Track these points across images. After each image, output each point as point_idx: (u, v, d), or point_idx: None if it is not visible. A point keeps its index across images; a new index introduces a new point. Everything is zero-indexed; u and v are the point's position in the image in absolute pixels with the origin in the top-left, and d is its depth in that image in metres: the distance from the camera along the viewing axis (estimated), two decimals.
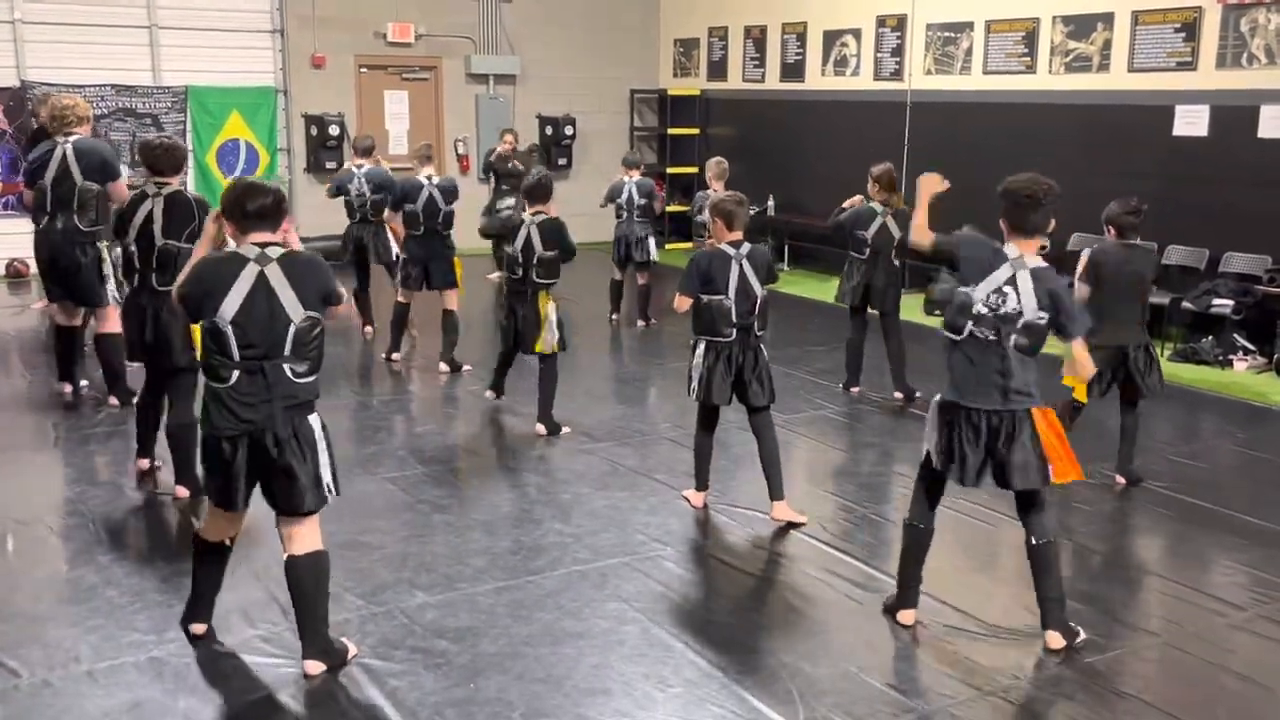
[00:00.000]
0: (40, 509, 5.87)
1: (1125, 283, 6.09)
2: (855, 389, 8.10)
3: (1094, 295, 6.04)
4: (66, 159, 7.00)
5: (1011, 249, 4.38)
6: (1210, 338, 9.19)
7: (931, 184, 4.82)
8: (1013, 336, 4.27)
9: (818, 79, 13.47)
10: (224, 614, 4.63)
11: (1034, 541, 4.42)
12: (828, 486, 6.40)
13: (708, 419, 5.87)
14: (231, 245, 4.06)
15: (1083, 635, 4.49)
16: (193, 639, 4.37)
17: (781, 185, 13.41)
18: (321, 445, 4.08)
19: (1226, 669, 4.43)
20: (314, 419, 4.07)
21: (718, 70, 14.99)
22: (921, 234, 4.65)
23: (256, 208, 3.99)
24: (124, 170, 7.51)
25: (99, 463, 6.57)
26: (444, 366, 8.60)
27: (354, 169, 9.79)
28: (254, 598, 4.79)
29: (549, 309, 7.06)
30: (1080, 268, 6.17)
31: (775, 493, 5.75)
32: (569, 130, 14.77)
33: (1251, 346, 9.07)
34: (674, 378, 8.71)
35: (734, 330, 5.60)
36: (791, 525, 5.67)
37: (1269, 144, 9.17)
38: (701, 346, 5.70)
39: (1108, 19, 10.32)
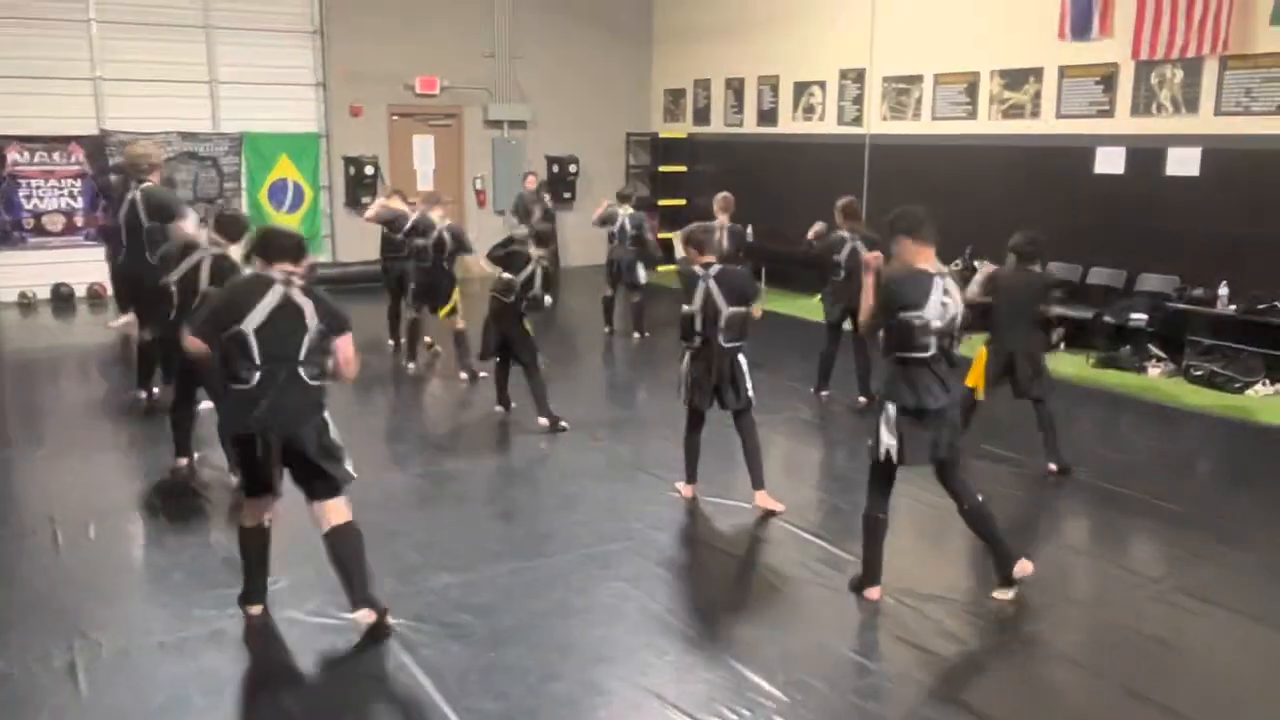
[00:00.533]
0: (117, 502, 5.86)
1: (1020, 301, 6.22)
2: (825, 393, 8.10)
3: (992, 309, 6.22)
4: (135, 204, 7.12)
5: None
6: (1128, 347, 9.21)
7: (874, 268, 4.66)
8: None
9: (789, 123, 13.47)
10: (281, 590, 4.63)
11: (966, 505, 4.58)
12: (802, 478, 6.41)
13: (694, 421, 5.86)
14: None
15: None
16: (249, 618, 4.37)
17: (758, 215, 13.36)
18: (335, 433, 4.19)
19: (1143, 633, 4.44)
20: (325, 414, 4.19)
21: (702, 116, 14.98)
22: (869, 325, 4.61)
23: (283, 243, 4.22)
24: (189, 212, 7.51)
25: (167, 461, 6.55)
26: (464, 375, 8.57)
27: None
28: (302, 577, 4.78)
29: (529, 326, 7.25)
30: (982, 278, 6.34)
31: (756, 483, 5.73)
32: (573, 168, 14.76)
33: (1163, 355, 9.08)
34: (664, 383, 8.71)
35: (697, 339, 5.61)
36: (770, 513, 5.66)
37: (1175, 180, 9.18)
38: (686, 355, 5.74)
39: (1038, 73, 10.34)
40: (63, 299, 12.14)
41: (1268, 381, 8.42)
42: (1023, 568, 4.62)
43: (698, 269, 5.67)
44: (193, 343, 4.24)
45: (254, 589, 4.40)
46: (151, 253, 7.10)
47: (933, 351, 4.37)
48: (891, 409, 4.45)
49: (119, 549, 5.28)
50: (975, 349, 5.55)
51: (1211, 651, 4.34)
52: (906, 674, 4.06)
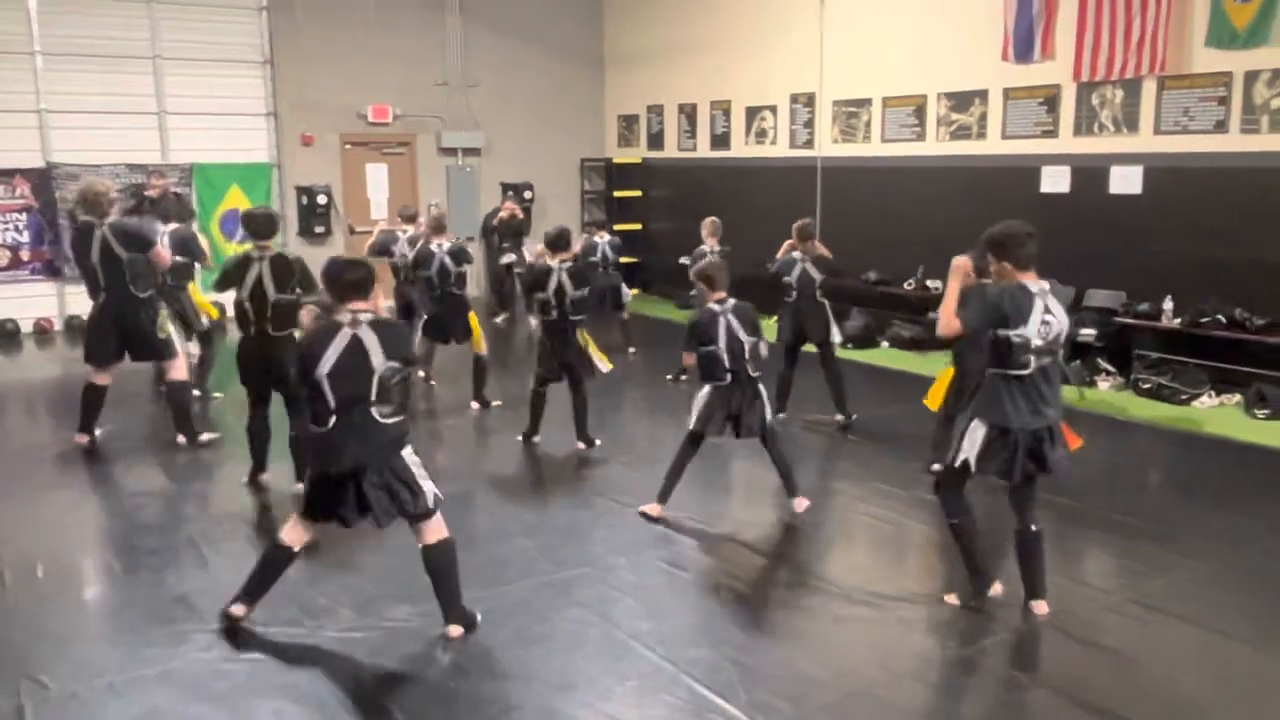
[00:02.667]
0: (66, 541, 5.75)
1: None
2: (782, 415, 8.13)
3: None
4: (106, 240, 6.97)
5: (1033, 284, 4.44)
6: (1078, 361, 9.35)
7: (961, 270, 4.77)
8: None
9: (742, 148, 13.60)
10: (229, 628, 4.55)
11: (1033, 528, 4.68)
12: (760, 498, 6.40)
13: (693, 445, 5.87)
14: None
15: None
16: (229, 618, 4.46)
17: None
18: (418, 468, 4.32)
19: (1100, 645, 4.49)
20: (406, 452, 4.30)
21: (656, 141, 15.09)
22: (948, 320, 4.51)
23: (351, 279, 4.26)
24: (162, 235, 7.57)
25: (117, 499, 6.44)
26: (475, 405, 8.46)
27: (399, 234, 9.46)
28: (260, 613, 4.71)
29: (587, 338, 7.19)
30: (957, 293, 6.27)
31: (790, 492, 6.01)
32: (528, 194, 14.77)
33: (1112, 369, 9.25)
34: (628, 408, 8.74)
35: (729, 375, 5.69)
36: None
37: (1118, 199, 9.40)
38: (705, 389, 5.78)
39: (983, 95, 10.55)
40: (8, 335, 11.90)
41: (1213, 393, 8.61)
42: (995, 588, 4.78)
43: (714, 306, 5.76)
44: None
45: (249, 595, 4.48)
46: (137, 286, 7.06)
47: (1031, 370, 4.36)
48: (980, 427, 4.48)
49: (68, 589, 5.15)
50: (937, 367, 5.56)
51: (1165, 661, 4.40)
52: (868, 692, 4.07)
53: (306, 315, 4.79)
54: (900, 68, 11.28)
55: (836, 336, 8.01)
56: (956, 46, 10.71)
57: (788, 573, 5.23)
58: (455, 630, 4.42)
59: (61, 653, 4.38)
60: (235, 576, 5.08)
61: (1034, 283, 4.42)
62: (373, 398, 4.16)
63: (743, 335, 5.71)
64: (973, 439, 4.51)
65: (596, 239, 10.55)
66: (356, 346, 4.16)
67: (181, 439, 7.30)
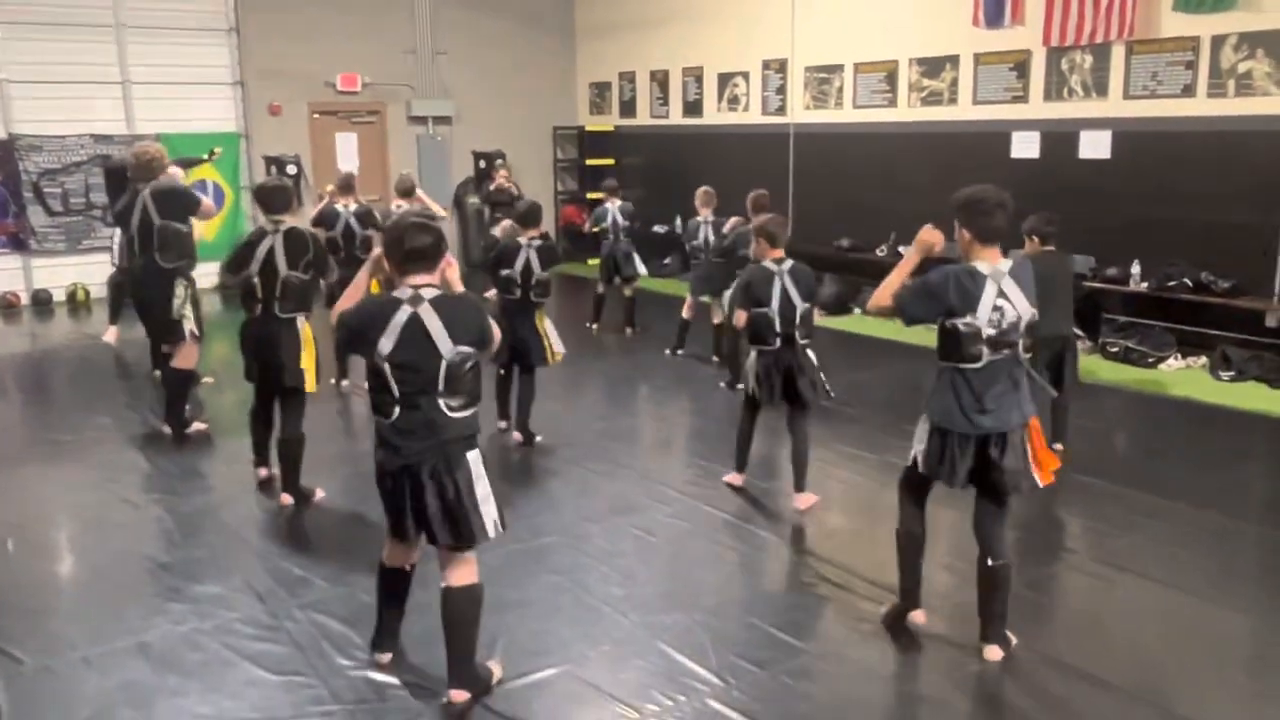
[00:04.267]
0: (38, 515, 5.71)
1: (1052, 288, 5.77)
2: (739, 386, 8.17)
3: None
4: (146, 205, 6.65)
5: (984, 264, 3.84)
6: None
7: (926, 245, 4.05)
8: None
9: (714, 115, 13.55)
10: (205, 599, 4.57)
11: (990, 561, 4.00)
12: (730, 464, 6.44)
13: (751, 411, 5.75)
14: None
15: (1014, 641, 4.10)
16: (379, 667, 4.01)
17: (686, 207, 13.32)
18: (481, 481, 3.62)
19: (1065, 603, 4.58)
20: (473, 455, 3.61)
21: (628, 109, 15.01)
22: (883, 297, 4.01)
23: (414, 247, 3.56)
24: (201, 196, 7.21)
25: (86, 474, 6.39)
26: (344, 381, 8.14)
27: (339, 208, 8.48)
28: (234, 584, 4.72)
29: (546, 324, 6.67)
30: None
31: (797, 485, 5.63)
32: (499, 163, 14.66)
33: (1080, 333, 9.31)
34: (617, 379, 8.74)
35: (779, 339, 5.47)
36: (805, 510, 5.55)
37: (1088, 163, 9.46)
38: (754, 354, 5.59)
39: (954, 60, 10.55)
40: None
41: (1179, 355, 8.73)
42: (917, 617, 4.26)
43: (770, 265, 5.52)
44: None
45: (385, 635, 4.03)
46: (164, 255, 6.69)
47: (982, 364, 3.80)
48: (924, 422, 4.02)
49: (40, 563, 5.14)
50: None
51: (1128, 618, 4.49)
52: (837, 653, 4.14)
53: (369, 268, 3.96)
54: (872, 33, 11.26)
55: (816, 316, 7.91)
56: (927, 12, 10.70)
57: (759, 539, 5.29)
58: (458, 695, 3.73)
59: (34, 626, 4.37)
60: (207, 552, 5.11)
61: (989, 263, 3.82)
62: (441, 387, 3.53)
63: (797, 299, 5.48)
64: (920, 434, 4.05)
65: (607, 204, 10.20)
66: (418, 327, 3.51)
67: (167, 429, 6.95)
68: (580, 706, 3.78)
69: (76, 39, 11.95)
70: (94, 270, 12.01)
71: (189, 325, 6.83)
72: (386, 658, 4.03)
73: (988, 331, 3.77)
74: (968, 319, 3.78)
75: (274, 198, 5.71)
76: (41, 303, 12.02)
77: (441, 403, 3.53)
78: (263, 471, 6.00)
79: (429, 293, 3.56)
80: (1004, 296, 3.78)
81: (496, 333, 3.75)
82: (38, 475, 6.39)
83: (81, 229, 12.30)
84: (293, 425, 5.68)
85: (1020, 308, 3.80)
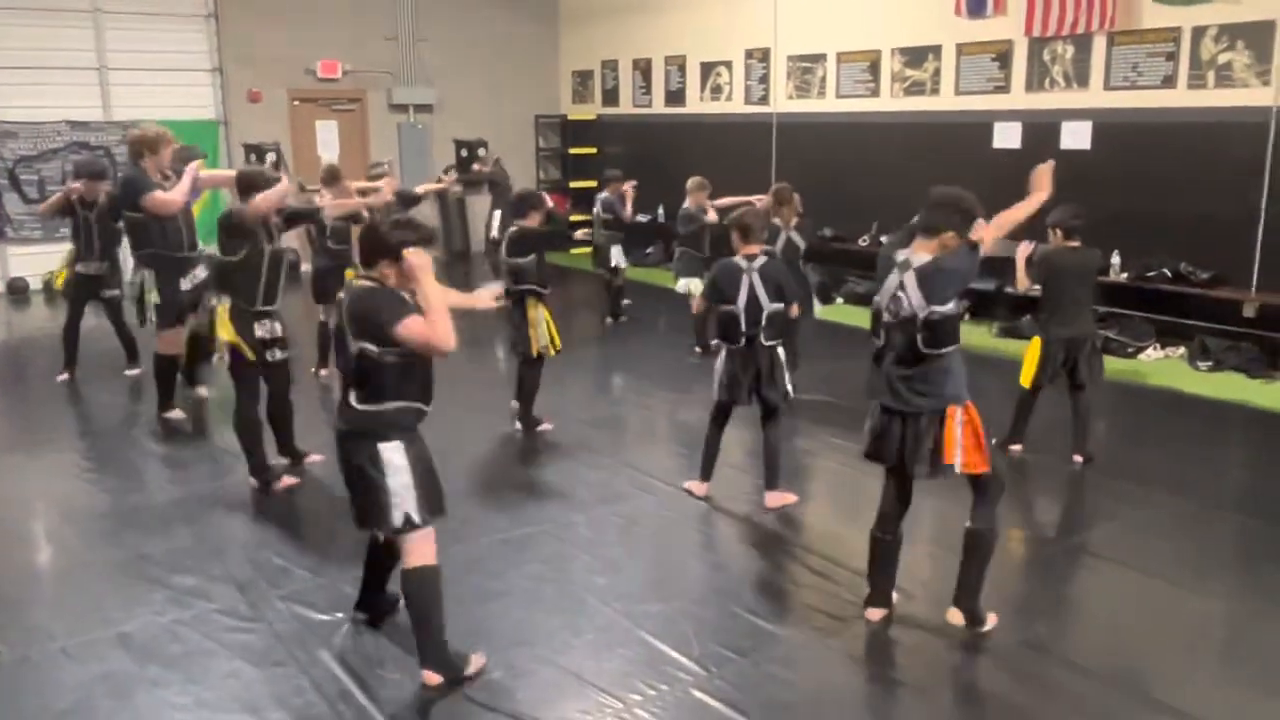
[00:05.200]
0: (16, 502, 5.67)
1: (1073, 283, 5.91)
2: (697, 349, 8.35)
3: (1046, 291, 5.90)
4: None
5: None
6: (1028, 316, 9.49)
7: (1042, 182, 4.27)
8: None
9: (697, 104, 13.54)
10: (185, 590, 4.55)
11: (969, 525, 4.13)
12: (722, 456, 6.45)
13: (720, 415, 5.54)
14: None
15: (990, 623, 4.17)
16: (366, 622, 4.20)
17: (669, 196, 13.39)
18: (394, 476, 3.64)
19: (1043, 591, 4.63)
20: (386, 448, 3.63)
21: (611, 97, 14.98)
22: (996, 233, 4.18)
23: (374, 244, 3.63)
24: (156, 190, 6.68)
25: (67, 460, 6.35)
26: (322, 371, 8.15)
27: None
28: (214, 575, 4.71)
29: (535, 315, 6.49)
30: (1024, 264, 5.96)
31: (768, 483, 5.51)
32: (481, 152, 14.56)
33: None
34: (601, 368, 8.73)
35: (743, 339, 5.28)
36: (776, 509, 5.45)
37: (1069, 154, 9.48)
38: (722, 354, 5.42)
39: (937, 50, 10.57)
40: None
41: (1158, 346, 8.80)
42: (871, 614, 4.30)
43: (740, 261, 5.28)
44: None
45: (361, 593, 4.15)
46: (132, 244, 6.77)
47: (883, 344, 4.00)
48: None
49: (19, 553, 5.10)
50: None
51: (1106, 605, 4.54)
52: (819, 642, 4.16)
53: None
54: (855, 23, 11.27)
55: (817, 308, 7.90)
56: (910, 2, 10.71)
57: (743, 528, 5.31)
58: (430, 677, 3.78)
59: (13, 617, 4.34)
60: (187, 543, 5.08)
61: (910, 251, 3.96)
62: (353, 380, 3.66)
63: (764, 299, 5.24)
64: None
65: (609, 194, 10.16)
66: (342, 318, 3.67)
67: (179, 414, 7.02)
68: (563, 696, 3.79)
69: (53, 24, 11.82)
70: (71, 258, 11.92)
71: (149, 313, 6.85)
72: (359, 616, 4.23)
73: (886, 316, 3.99)
74: (878, 299, 4.03)
75: (259, 184, 5.53)
76: (17, 291, 11.92)
77: (350, 394, 3.67)
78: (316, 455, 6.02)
79: (355, 285, 3.70)
80: (903, 288, 3.93)
81: (411, 329, 3.50)
82: (15, 465, 6.34)
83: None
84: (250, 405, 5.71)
85: (912, 300, 3.91)
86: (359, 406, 3.65)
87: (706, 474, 5.66)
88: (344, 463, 3.75)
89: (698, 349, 8.53)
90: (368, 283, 3.64)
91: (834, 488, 5.95)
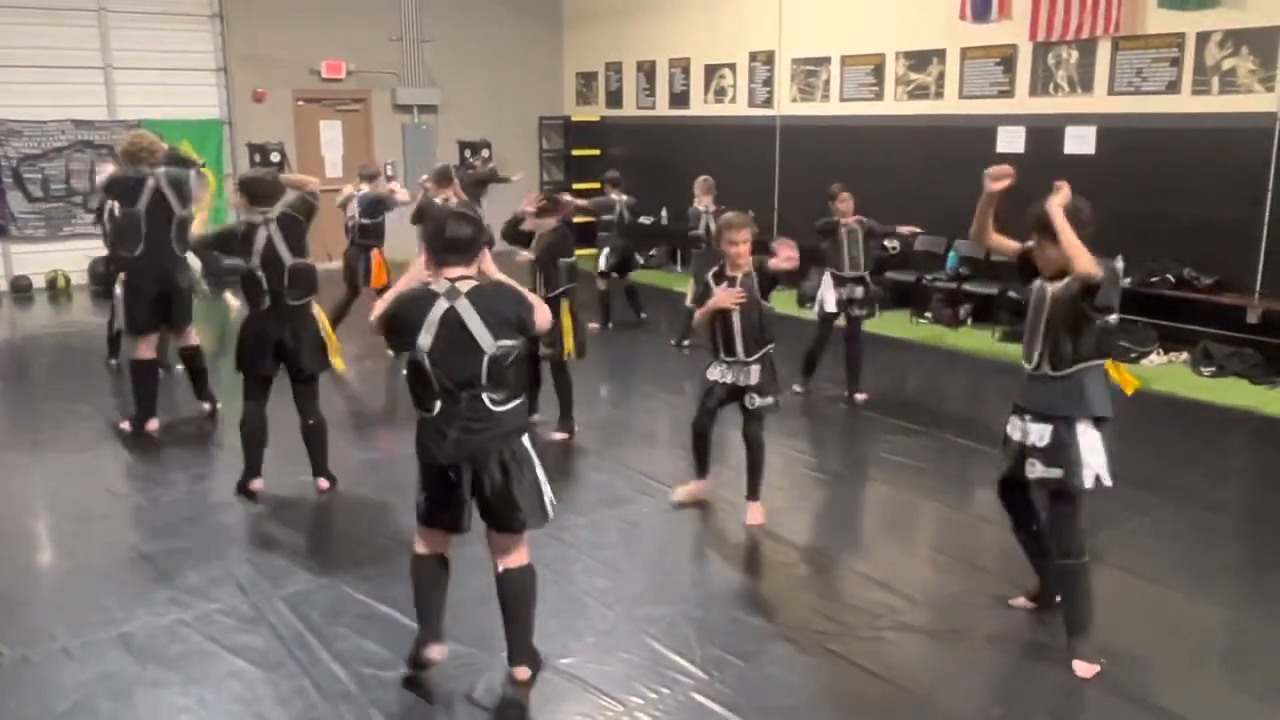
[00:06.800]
0: (17, 503, 5.67)
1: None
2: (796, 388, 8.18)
3: None
4: (161, 189, 6.52)
5: None
6: None
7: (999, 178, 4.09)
8: None
9: (701, 106, 13.54)
10: (186, 590, 4.54)
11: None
12: (720, 459, 6.44)
13: (703, 419, 5.42)
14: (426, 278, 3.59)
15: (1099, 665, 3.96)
16: (422, 664, 3.80)
17: (672, 197, 13.42)
18: (537, 467, 3.65)
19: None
20: (525, 441, 3.63)
21: (615, 99, 14.97)
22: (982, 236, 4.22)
23: (453, 238, 3.52)
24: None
25: (67, 461, 6.35)
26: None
27: (354, 193, 8.91)
28: (216, 575, 4.70)
29: (565, 318, 6.37)
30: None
31: (749, 493, 5.38)
32: (485, 153, 14.61)
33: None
34: (601, 371, 8.70)
35: (723, 345, 5.19)
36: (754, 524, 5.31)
37: (1072, 158, 9.48)
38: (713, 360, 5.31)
39: (941, 54, 10.56)
40: None
41: (1161, 351, 8.78)
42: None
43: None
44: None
45: (428, 630, 3.80)
46: (180, 244, 6.61)
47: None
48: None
49: (19, 553, 5.10)
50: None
51: (1107, 611, 4.50)
52: (821, 646, 4.15)
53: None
54: (859, 26, 11.26)
55: (875, 313, 7.82)
56: (915, 5, 10.70)
57: (744, 531, 5.29)
58: (522, 672, 3.81)
59: (12, 617, 4.34)
60: (189, 543, 5.08)
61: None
62: (484, 381, 3.50)
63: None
64: (1096, 444, 4.37)
65: (614, 197, 10.10)
66: (455, 321, 3.45)
67: (206, 406, 7.09)
68: (564, 699, 3.78)
69: (58, 23, 11.85)
70: (75, 257, 11.96)
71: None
72: (439, 650, 3.81)
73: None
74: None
75: (264, 189, 5.51)
76: (21, 290, 11.92)
77: (485, 397, 3.51)
78: (258, 484, 5.72)
79: (465, 285, 3.50)
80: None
81: (542, 315, 3.63)
82: (17, 464, 6.34)
83: (62, 215, 12.21)
84: (316, 410, 5.67)
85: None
86: (501, 408, 3.54)
87: (700, 472, 5.60)
88: (481, 472, 3.55)
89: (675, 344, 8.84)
90: (476, 281, 3.55)
91: (833, 491, 5.93)
